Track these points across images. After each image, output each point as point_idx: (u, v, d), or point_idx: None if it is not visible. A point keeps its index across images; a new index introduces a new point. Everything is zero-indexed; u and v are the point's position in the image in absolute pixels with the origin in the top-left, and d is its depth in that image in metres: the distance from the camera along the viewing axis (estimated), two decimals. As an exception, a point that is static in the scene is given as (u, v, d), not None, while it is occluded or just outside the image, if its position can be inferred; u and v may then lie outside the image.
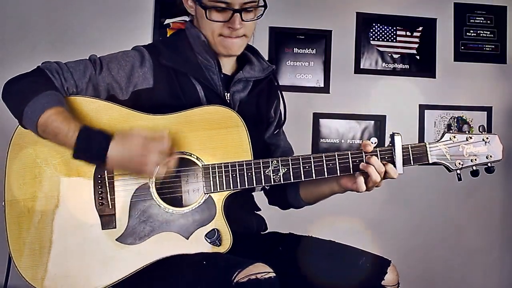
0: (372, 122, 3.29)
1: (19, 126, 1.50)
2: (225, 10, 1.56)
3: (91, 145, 1.41)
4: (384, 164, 1.52)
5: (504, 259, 3.38)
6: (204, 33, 1.61)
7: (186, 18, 1.73)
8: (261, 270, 1.34)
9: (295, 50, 3.27)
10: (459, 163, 1.55)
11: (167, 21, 3.08)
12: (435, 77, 3.33)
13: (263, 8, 1.61)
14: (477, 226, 3.34)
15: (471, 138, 1.56)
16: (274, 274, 1.35)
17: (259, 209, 1.77)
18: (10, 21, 3.02)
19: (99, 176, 1.49)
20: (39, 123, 1.43)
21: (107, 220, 1.48)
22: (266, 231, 1.78)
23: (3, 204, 1.49)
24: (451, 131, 1.56)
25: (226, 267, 1.37)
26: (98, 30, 3.05)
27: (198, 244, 1.48)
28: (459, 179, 1.56)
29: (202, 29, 1.61)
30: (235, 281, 1.31)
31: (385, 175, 1.54)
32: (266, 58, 3.13)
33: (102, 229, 1.48)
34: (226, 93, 1.65)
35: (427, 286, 3.27)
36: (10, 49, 2.99)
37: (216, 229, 1.48)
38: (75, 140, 1.41)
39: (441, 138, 1.57)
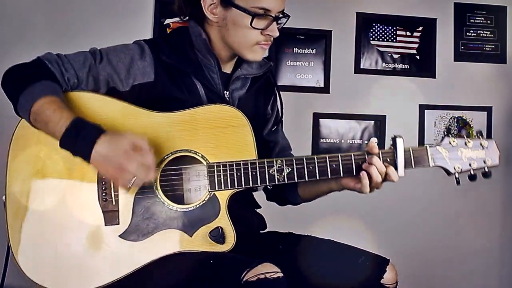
0: (372, 122, 3.30)
1: (22, 120, 1.49)
2: (264, 17, 1.56)
3: (79, 137, 1.38)
4: (385, 166, 1.53)
5: (504, 259, 3.38)
6: (235, 40, 1.59)
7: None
8: (269, 269, 1.35)
9: (295, 50, 3.27)
10: (458, 167, 1.58)
11: (167, 21, 3.09)
12: (435, 77, 3.33)
13: (283, 17, 1.62)
14: (477, 226, 3.34)
15: (469, 142, 1.59)
16: (282, 274, 1.36)
17: (259, 207, 1.78)
18: (10, 21, 3.02)
19: (103, 172, 1.48)
20: (32, 111, 1.42)
21: (111, 216, 1.48)
22: (265, 230, 1.78)
23: (4, 198, 1.48)
24: (450, 135, 1.59)
25: (234, 266, 1.37)
26: (98, 30, 3.05)
27: (201, 242, 1.48)
28: (458, 182, 1.58)
29: (234, 37, 1.59)
30: (244, 280, 1.32)
31: (386, 178, 1.55)
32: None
33: (105, 225, 1.47)
34: (225, 91, 1.66)
35: (426, 286, 3.27)
36: (10, 49, 2.99)
37: (220, 227, 1.48)
38: (68, 126, 1.38)
39: (440, 142, 1.59)
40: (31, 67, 1.50)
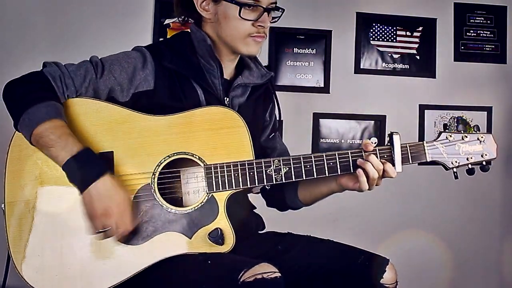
0: (372, 122, 3.30)
1: None
2: (254, 9, 1.57)
3: (87, 167, 1.40)
4: (382, 163, 1.54)
5: (504, 259, 3.38)
6: (227, 34, 1.59)
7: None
8: (267, 270, 1.35)
9: (295, 50, 3.27)
10: (456, 162, 1.59)
11: (167, 21, 3.09)
12: (435, 77, 3.33)
13: (277, 11, 1.62)
14: (477, 226, 3.34)
15: (466, 137, 1.60)
16: (280, 274, 1.36)
17: (254, 207, 1.78)
18: (10, 21, 3.02)
19: (101, 176, 1.48)
20: (34, 133, 1.42)
21: (109, 220, 1.48)
22: (264, 230, 1.78)
23: (3, 206, 1.48)
24: (447, 131, 1.59)
25: (232, 267, 1.37)
26: (98, 30, 3.05)
27: (201, 244, 1.48)
28: (456, 177, 1.59)
29: (226, 30, 1.59)
30: (241, 280, 1.32)
31: (384, 174, 1.55)
32: (267, 58, 3.16)
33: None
34: (225, 98, 1.66)
35: (426, 286, 3.27)
36: (11, 49, 2.99)
37: (219, 228, 1.48)
38: (75, 153, 1.40)
39: (437, 137, 1.60)
40: (35, 82, 1.49)
